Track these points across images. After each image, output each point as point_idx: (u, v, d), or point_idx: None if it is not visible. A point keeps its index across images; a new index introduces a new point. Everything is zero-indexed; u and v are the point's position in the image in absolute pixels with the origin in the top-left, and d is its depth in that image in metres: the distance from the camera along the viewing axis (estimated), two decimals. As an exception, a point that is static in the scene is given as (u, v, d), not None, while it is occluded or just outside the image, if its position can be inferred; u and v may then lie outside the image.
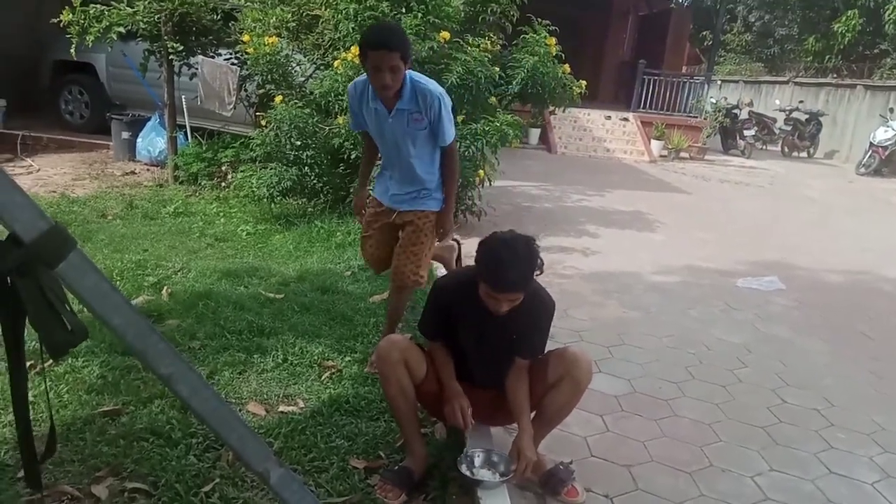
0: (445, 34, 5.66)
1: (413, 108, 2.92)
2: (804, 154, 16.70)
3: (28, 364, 2.79)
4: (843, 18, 19.24)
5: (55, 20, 6.50)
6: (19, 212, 0.96)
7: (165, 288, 4.07)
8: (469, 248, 3.07)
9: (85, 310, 1.05)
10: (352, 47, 5.53)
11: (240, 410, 2.81)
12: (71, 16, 6.39)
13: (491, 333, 2.42)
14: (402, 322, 3.79)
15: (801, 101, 17.41)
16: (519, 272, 2.19)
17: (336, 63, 5.71)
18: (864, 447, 3.06)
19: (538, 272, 2.27)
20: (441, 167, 3.15)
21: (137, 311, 1.07)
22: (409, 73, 2.91)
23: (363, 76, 2.96)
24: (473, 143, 5.73)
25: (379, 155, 3.32)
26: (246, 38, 6.04)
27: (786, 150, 16.63)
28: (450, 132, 3.04)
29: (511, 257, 2.18)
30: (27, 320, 1.02)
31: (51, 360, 3.04)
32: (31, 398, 2.66)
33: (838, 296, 5.43)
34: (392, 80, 2.77)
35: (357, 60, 5.45)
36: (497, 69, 6.09)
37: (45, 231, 0.97)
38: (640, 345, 4.03)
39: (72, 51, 6.60)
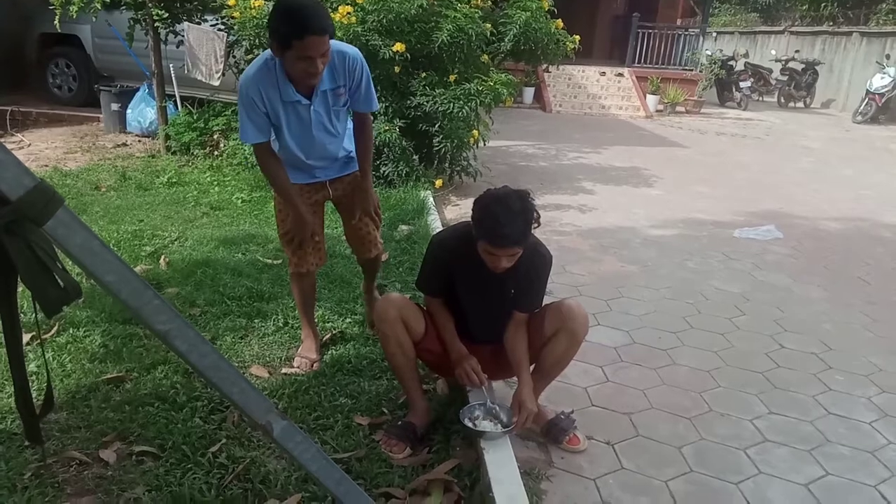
0: (434, -10, 5.56)
1: (333, 85, 2.58)
2: (801, 104, 16.57)
3: (30, 335, 2.83)
4: (839, -36, 18.90)
5: (37, -9, 6.38)
6: (3, 170, 0.95)
7: (163, 257, 4.07)
8: (465, 210, 3.08)
9: (85, 278, 1.04)
10: (339, 7, 5.44)
11: (243, 373, 2.82)
12: (53, -14, 6.27)
13: (490, 288, 2.42)
14: (399, 282, 3.80)
15: (796, 51, 17.21)
16: (516, 227, 2.18)
17: (324, 24, 5.62)
18: (861, 388, 3.10)
19: (535, 225, 2.26)
20: (358, 138, 2.82)
21: (130, 268, 1.07)
22: None
23: (255, 70, 2.49)
24: (467, 104, 5.68)
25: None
26: (231, 1, 5.92)
27: (782, 100, 16.49)
28: (375, 96, 2.76)
29: (507, 212, 2.17)
30: (19, 280, 1.02)
31: (53, 331, 3.06)
32: (33, 368, 2.69)
33: (836, 243, 5.44)
34: (323, 65, 2.40)
35: (347, 20, 5.40)
36: (488, 26, 6.00)
37: (31, 188, 0.96)
38: (638, 297, 4.05)
39: (56, 23, 6.49)
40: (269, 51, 2.48)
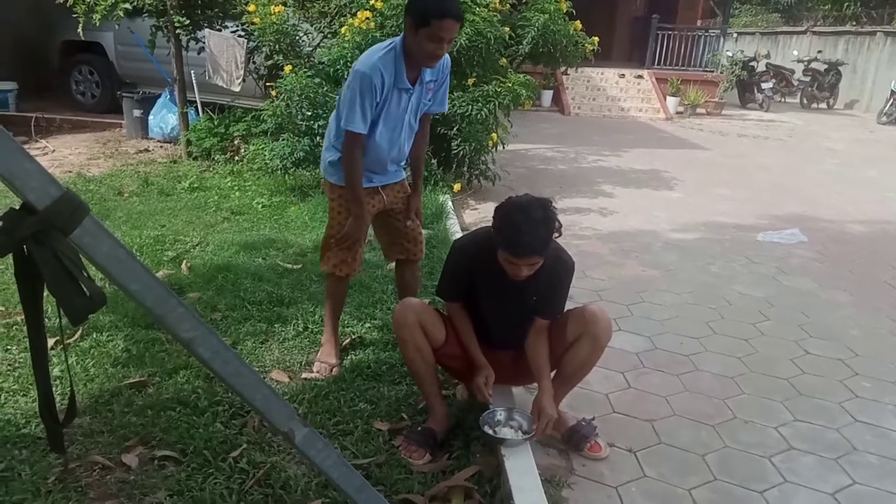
0: (453, -5, 5.56)
1: (432, 78, 2.70)
2: (824, 105, 16.35)
3: (54, 340, 2.86)
4: (862, -37, 18.64)
5: (61, 0, 6.47)
6: (31, 179, 0.96)
7: (185, 262, 4.11)
8: (484, 214, 3.06)
9: (108, 283, 1.05)
10: (358, 13, 5.46)
11: (264, 378, 2.84)
12: (76, -5, 6.36)
13: (511, 295, 2.41)
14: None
15: (819, 51, 17.00)
16: (537, 237, 2.16)
17: (343, 30, 5.65)
18: (889, 395, 3.04)
19: (557, 234, 2.25)
20: (420, 139, 2.91)
21: (155, 276, 1.07)
22: None
23: (380, 56, 2.55)
24: (485, 106, 5.67)
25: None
26: (251, 8, 5.98)
27: (805, 101, 16.29)
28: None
29: (528, 222, 2.14)
30: (45, 288, 1.02)
31: (77, 335, 3.10)
32: (57, 373, 2.72)
33: (861, 246, 5.35)
34: (446, 51, 2.54)
35: (365, 25, 5.42)
36: (507, 29, 6.00)
37: (58, 198, 0.97)
38: (659, 302, 4.01)
39: (79, 30, 6.59)
40: (391, 39, 2.62)
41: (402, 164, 2.97)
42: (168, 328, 1.10)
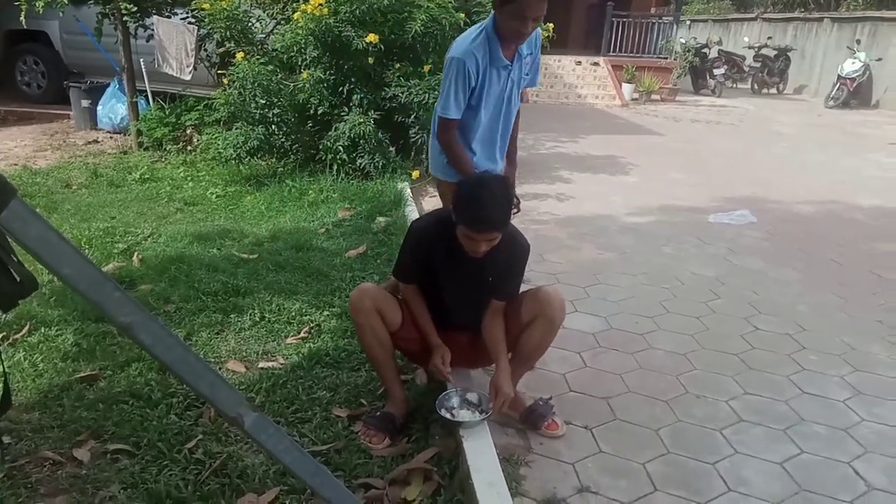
0: (407, -20, 5.53)
1: (528, 51, 2.70)
2: (774, 90, 16.75)
3: (0, 336, 2.77)
4: (810, -50, 19.06)
5: (1, -13, 6.24)
6: (-46, 161, 0.92)
7: (136, 254, 4.02)
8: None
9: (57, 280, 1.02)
10: (311, -1, 5.39)
11: (219, 369, 2.81)
12: (18, -19, 6.14)
13: (468, 275, 2.42)
14: (377, 274, 3.79)
15: (769, 38, 17.39)
16: (496, 212, 2.19)
17: (296, 15, 5.57)
18: (835, 367, 3.14)
19: (515, 211, 2.27)
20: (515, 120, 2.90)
21: (88, 260, 1.04)
22: None
23: (471, 40, 2.57)
24: (442, 93, 5.65)
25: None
26: (201, -6, 5.85)
27: (755, 87, 16.66)
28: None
29: (487, 197, 2.17)
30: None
31: (24, 330, 3.01)
32: (6, 368, 2.64)
33: (809, 226, 5.51)
34: (533, 29, 2.52)
35: (318, 12, 5.35)
36: (462, 15, 5.97)
37: (-18, 180, 0.93)
38: (615, 284, 4.07)
39: (22, 19, 6.36)
40: (481, 22, 2.63)
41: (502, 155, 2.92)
42: (105, 314, 1.08)
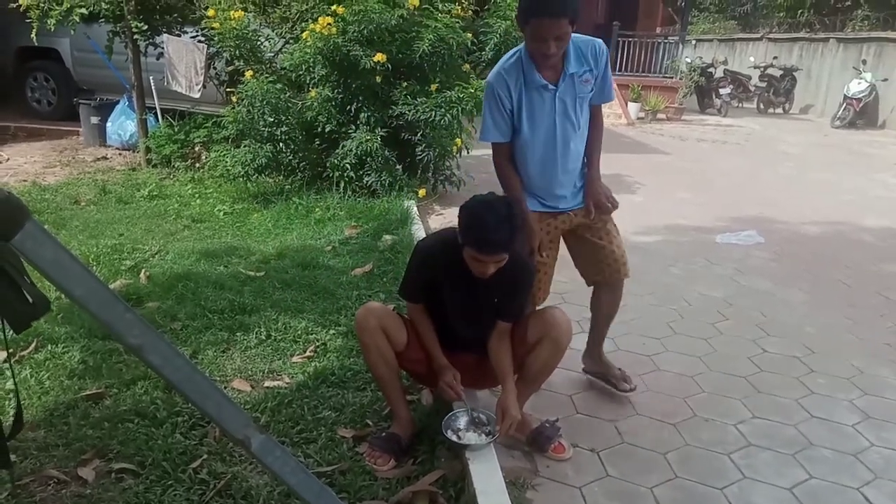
0: (415, 1, 5.57)
1: (580, 69, 2.57)
2: (780, 110, 16.77)
3: (6, 352, 2.78)
4: (815, -28, 19.20)
5: (14, 5, 6.32)
6: (-31, 183, 0.93)
7: (143, 271, 4.03)
8: (450, 219, 3.06)
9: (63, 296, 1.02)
10: (319, 18, 5.44)
11: (225, 387, 2.80)
12: (30, 0, 6.21)
13: (473, 296, 2.41)
14: (383, 292, 3.79)
15: (775, 58, 17.44)
16: (503, 233, 2.18)
17: (304, 34, 5.62)
18: (844, 391, 3.11)
19: (521, 233, 2.27)
20: (593, 129, 2.76)
21: (100, 281, 1.04)
22: None
23: (502, 64, 2.58)
24: (449, 112, 5.68)
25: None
26: (211, 13, 5.91)
27: (761, 106, 16.69)
28: (612, 86, 2.76)
29: (494, 219, 2.16)
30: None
31: (31, 347, 3.02)
32: (11, 386, 2.64)
33: (817, 247, 5.49)
34: (557, 49, 2.43)
35: (327, 31, 5.40)
36: (469, 35, 6.02)
37: (-2, 202, 0.94)
38: (622, 303, 4.03)
39: (33, 36, 6.43)
40: (520, 45, 2.59)
41: (580, 179, 2.82)
42: (115, 334, 1.08)
